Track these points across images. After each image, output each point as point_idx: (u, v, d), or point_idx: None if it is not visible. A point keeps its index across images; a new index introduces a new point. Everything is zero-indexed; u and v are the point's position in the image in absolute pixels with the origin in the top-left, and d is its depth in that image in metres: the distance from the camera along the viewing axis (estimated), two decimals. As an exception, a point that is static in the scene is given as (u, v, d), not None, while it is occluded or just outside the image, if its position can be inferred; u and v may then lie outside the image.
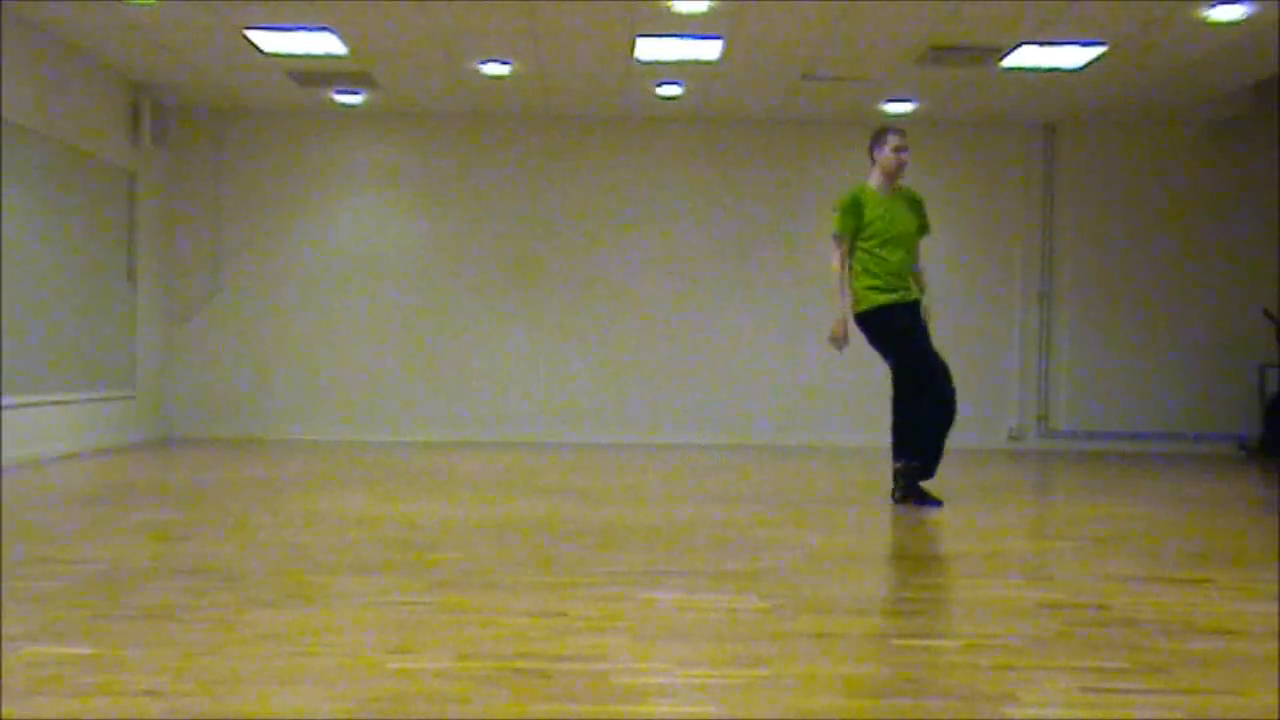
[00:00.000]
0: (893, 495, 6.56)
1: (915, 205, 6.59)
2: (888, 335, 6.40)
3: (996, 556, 4.81)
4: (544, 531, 5.34)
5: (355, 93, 10.26)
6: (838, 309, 6.45)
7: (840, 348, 6.55)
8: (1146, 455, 10.74)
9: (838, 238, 6.46)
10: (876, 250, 6.37)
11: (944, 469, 8.92)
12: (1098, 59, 8.81)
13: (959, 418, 11.96)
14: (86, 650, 3.07)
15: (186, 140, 10.94)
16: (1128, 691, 2.83)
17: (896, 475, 6.54)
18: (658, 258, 11.16)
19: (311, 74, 9.56)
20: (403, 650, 3.12)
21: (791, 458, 9.75)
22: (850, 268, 6.46)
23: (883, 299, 6.36)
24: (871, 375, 11.26)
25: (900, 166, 6.48)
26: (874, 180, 6.53)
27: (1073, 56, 8.77)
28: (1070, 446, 11.23)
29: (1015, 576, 4.36)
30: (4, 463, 7.88)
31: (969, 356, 11.29)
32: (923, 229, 6.60)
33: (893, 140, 6.46)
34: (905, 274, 6.42)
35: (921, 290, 6.52)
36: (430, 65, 9.30)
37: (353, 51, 8.90)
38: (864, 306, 6.41)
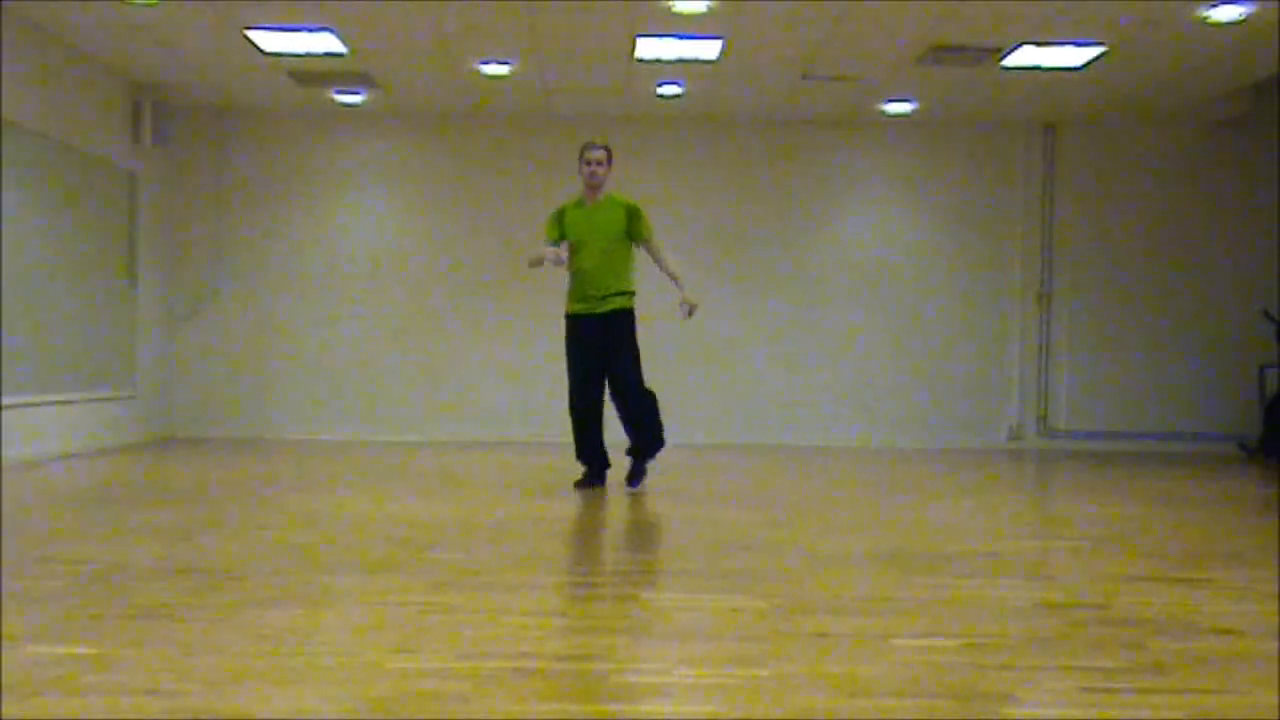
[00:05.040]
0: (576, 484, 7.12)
1: (624, 211, 6.86)
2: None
3: (996, 556, 4.81)
4: (543, 531, 5.33)
5: (355, 93, 10.26)
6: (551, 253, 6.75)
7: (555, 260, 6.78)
8: (1146, 455, 10.73)
9: (547, 241, 6.88)
10: (572, 257, 6.84)
11: (945, 468, 8.88)
12: (1098, 59, 8.81)
13: (958, 417, 11.85)
14: (86, 650, 3.07)
15: (187, 140, 10.94)
16: (1128, 691, 2.83)
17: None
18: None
19: (311, 74, 9.57)
20: (403, 650, 3.12)
21: (791, 458, 9.75)
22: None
23: (567, 308, 6.97)
24: (866, 376, 11.30)
25: (591, 176, 6.81)
26: (580, 191, 6.96)
27: (1073, 56, 8.78)
28: (1070, 446, 11.23)
29: (1015, 576, 4.36)
30: (4, 463, 7.88)
31: (969, 356, 11.30)
32: (632, 234, 6.86)
33: (585, 153, 6.84)
34: (594, 281, 6.80)
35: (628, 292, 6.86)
36: (430, 65, 9.30)
37: (353, 51, 8.90)
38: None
